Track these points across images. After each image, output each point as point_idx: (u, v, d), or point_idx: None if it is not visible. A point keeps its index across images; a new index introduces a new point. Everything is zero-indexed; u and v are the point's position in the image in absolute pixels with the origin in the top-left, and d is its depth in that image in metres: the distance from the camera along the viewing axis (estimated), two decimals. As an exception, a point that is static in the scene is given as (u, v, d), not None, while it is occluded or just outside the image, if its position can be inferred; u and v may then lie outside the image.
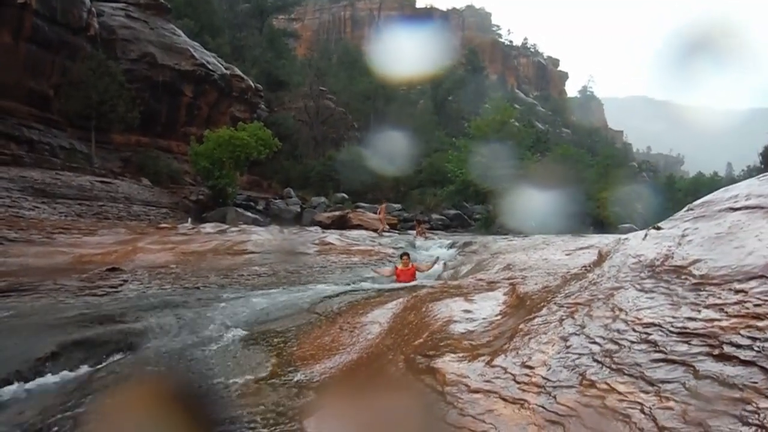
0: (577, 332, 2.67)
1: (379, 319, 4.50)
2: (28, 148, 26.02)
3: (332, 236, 17.31)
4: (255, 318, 5.76)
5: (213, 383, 3.85)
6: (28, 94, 27.17)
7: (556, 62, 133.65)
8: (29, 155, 24.98)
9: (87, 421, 3.46)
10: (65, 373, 4.39)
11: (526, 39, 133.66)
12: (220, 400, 3.51)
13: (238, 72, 40.68)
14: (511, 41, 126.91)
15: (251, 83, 41.55)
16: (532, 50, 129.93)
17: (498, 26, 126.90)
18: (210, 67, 37.17)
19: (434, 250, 15.87)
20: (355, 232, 21.37)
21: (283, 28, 69.90)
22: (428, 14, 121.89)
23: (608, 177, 43.35)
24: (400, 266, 9.47)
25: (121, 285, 8.26)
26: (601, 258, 4.20)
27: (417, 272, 9.36)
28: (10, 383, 4.05)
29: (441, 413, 2.42)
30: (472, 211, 39.81)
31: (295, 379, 3.62)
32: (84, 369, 4.50)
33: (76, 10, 28.76)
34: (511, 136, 39.72)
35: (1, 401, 3.85)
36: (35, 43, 26.68)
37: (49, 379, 4.26)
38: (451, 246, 16.24)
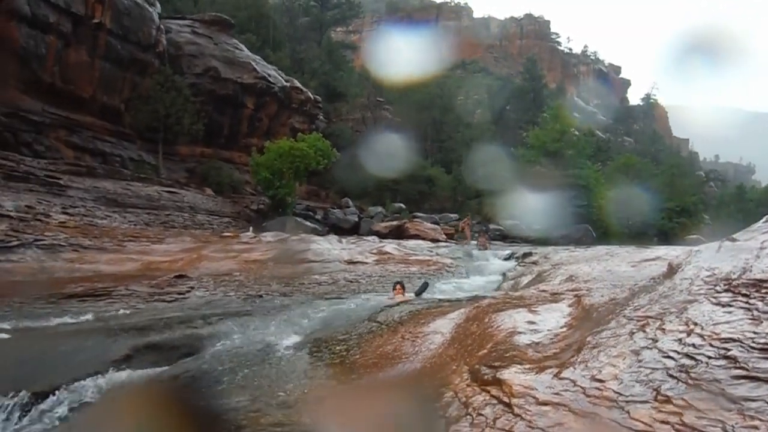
0: (649, 346, 2.59)
1: (441, 329, 4.48)
2: (101, 160, 27.40)
3: (390, 246, 17.36)
4: (317, 325, 5.84)
5: (275, 389, 3.92)
6: (102, 108, 28.57)
7: (617, 69, 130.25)
8: (102, 167, 26.21)
9: (157, 418, 3.60)
10: (138, 374, 4.57)
11: (586, 46, 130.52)
12: (281, 406, 3.57)
13: (298, 84, 41.41)
14: (570, 49, 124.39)
15: (310, 95, 42.22)
16: (593, 58, 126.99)
17: (557, 34, 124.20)
18: (271, 79, 38.01)
19: (491, 261, 15.73)
20: (412, 242, 21.39)
21: (341, 41, 70.80)
22: (485, 25, 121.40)
23: (673, 187, 41.85)
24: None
25: (188, 291, 8.54)
26: (672, 270, 4.06)
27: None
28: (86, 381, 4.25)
29: (509, 425, 2.39)
30: (530, 221, 39.11)
31: (359, 387, 3.65)
32: (154, 371, 4.66)
33: (146, 28, 30.05)
34: (570, 146, 39.01)
35: (79, 398, 4.04)
36: (109, 61, 28.05)
37: (124, 379, 4.45)
38: (509, 257, 16.03)
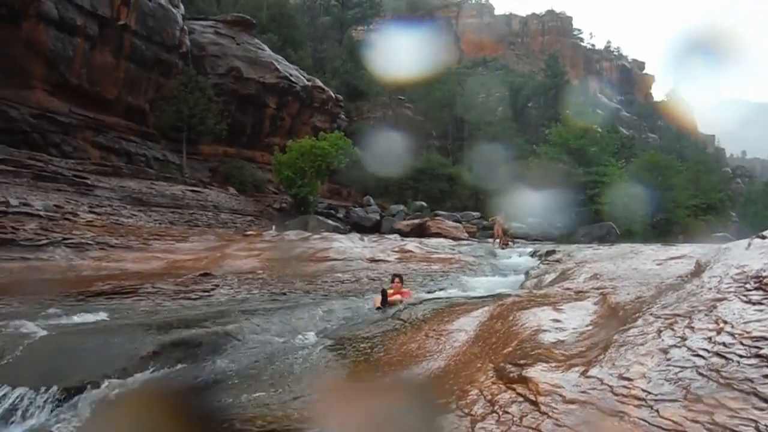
0: (678, 344, 2.56)
1: (465, 327, 4.48)
2: (126, 160, 27.86)
3: (411, 244, 17.33)
4: (341, 323, 5.87)
5: (299, 386, 3.95)
6: (127, 109, 29.04)
7: (641, 65, 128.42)
8: (127, 166, 26.67)
9: (182, 415, 3.65)
10: (164, 371, 4.63)
11: (609, 42, 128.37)
12: (305, 403, 3.59)
13: (319, 83, 41.55)
14: (593, 45, 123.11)
15: (332, 94, 42.34)
16: (616, 53, 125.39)
17: (579, 30, 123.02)
18: (292, 79, 38.21)
19: (514, 259, 15.64)
20: (434, 240, 21.31)
21: (363, 39, 70.92)
22: (507, 22, 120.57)
23: (699, 184, 41.18)
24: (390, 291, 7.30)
25: (212, 289, 8.64)
26: (700, 268, 4.01)
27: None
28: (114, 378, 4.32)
29: (536, 423, 2.38)
30: (552, 219, 38.76)
31: (384, 384, 3.65)
32: (180, 367, 4.72)
33: (170, 29, 30.44)
34: (594, 143, 38.59)
35: (108, 394, 4.11)
36: (133, 62, 28.51)
37: (151, 375, 4.51)
38: (532, 255, 15.92)
